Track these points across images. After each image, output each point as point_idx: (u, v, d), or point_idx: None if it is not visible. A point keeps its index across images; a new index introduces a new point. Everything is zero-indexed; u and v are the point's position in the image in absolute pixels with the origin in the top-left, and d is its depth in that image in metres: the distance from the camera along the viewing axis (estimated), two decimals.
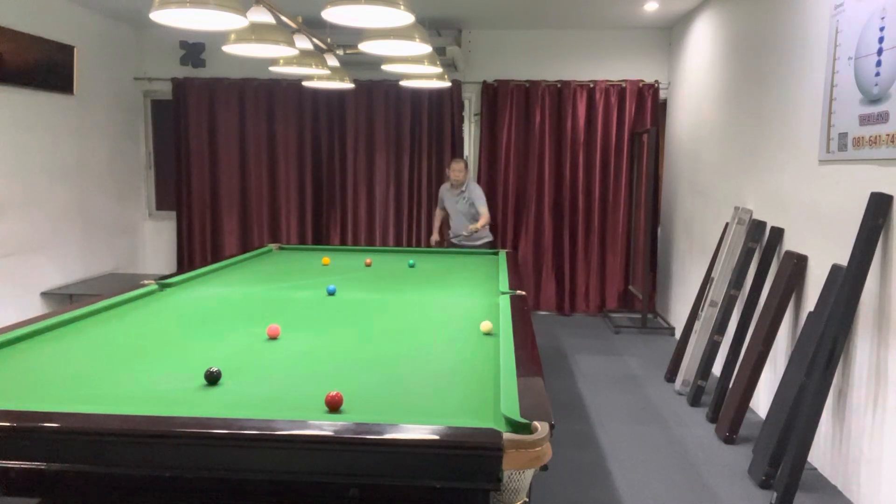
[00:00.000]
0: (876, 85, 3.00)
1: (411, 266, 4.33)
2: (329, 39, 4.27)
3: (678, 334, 5.77)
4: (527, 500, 1.51)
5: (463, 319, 2.82)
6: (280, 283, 3.72)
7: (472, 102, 6.91)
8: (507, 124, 6.73)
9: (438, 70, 4.22)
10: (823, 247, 3.46)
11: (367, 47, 3.27)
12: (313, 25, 4.11)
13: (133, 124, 6.90)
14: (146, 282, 3.36)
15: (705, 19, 5.57)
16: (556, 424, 1.97)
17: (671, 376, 4.84)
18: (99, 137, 6.30)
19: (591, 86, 6.63)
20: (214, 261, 4.35)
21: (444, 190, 5.95)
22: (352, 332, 2.66)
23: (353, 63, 5.33)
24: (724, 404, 3.97)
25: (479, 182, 6.66)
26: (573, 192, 6.75)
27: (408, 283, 3.78)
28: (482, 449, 1.46)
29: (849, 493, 3.16)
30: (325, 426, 1.55)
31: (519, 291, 3.26)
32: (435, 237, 6.10)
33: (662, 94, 6.68)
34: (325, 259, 4.47)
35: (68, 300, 5.64)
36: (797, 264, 3.65)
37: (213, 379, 1.94)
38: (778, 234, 3.96)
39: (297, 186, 6.94)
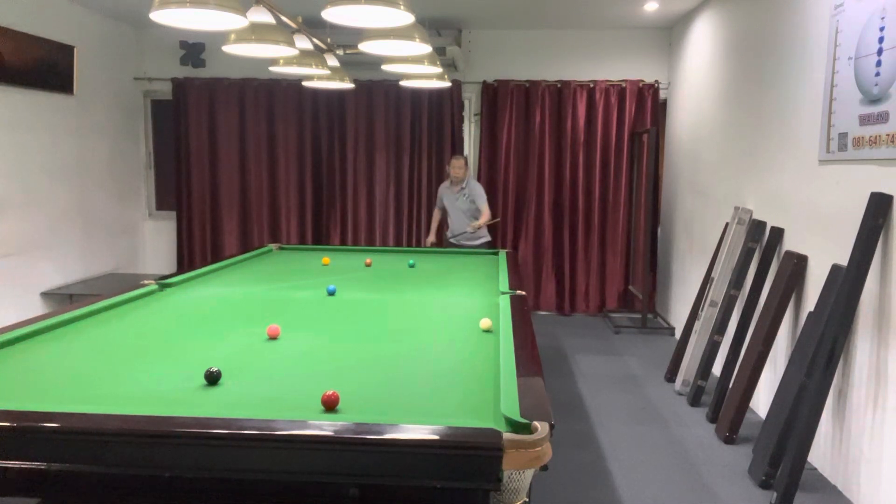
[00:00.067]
0: (876, 85, 3.00)
1: (411, 266, 4.33)
2: (329, 39, 4.27)
3: (678, 334, 5.77)
4: (527, 500, 1.51)
5: (463, 319, 2.82)
6: (280, 283, 3.72)
7: (472, 102, 6.91)
8: (507, 124, 6.73)
9: (438, 70, 4.22)
10: (823, 247, 3.46)
11: (367, 47, 3.27)
12: (313, 25, 4.11)
13: (133, 124, 6.90)
14: (146, 282, 3.36)
15: (705, 19, 5.57)
16: (556, 424, 1.97)
17: (671, 376, 4.84)
18: (99, 137, 6.30)
19: (591, 86, 6.63)
20: (214, 261, 4.35)
21: (444, 188, 5.96)
22: (352, 332, 2.66)
23: (353, 63, 5.33)
24: (724, 404, 3.97)
25: (479, 182, 6.65)
26: (573, 192, 6.76)
27: (408, 283, 3.78)
28: (482, 449, 1.46)
29: (849, 493, 3.16)
30: (325, 426, 1.55)
31: (519, 291, 3.26)
32: (431, 239, 6.10)
33: (662, 94, 6.68)
34: (325, 259, 4.47)
35: (68, 300, 5.64)
36: (797, 264, 3.65)
37: (213, 379, 1.94)
38: (778, 234, 3.96)
39: (297, 186, 6.94)
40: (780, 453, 3.20)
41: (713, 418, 4.04)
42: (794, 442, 3.09)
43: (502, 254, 4.76)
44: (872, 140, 3.02)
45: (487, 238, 5.92)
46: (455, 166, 5.75)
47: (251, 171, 6.92)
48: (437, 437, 1.50)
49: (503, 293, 3.25)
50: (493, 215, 6.09)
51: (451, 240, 5.81)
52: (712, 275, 4.64)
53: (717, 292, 4.46)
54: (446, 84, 4.92)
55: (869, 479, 3.01)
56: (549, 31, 6.71)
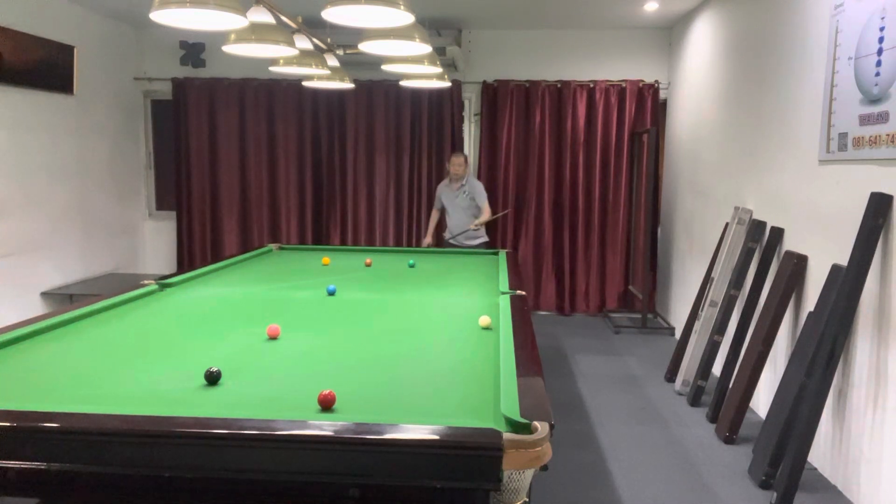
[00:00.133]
0: (876, 85, 3.00)
1: (411, 266, 4.33)
2: (329, 39, 4.27)
3: (678, 334, 5.77)
4: (527, 500, 1.51)
5: (463, 319, 2.82)
6: (280, 283, 3.72)
7: (472, 102, 6.91)
8: (507, 124, 6.73)
9: (438, 70, 4.22)
10: (823, 247, 3.46)
11: (367, 47, 3.27)
12: (313, 25, 4.11)
13: (133, 124, 6.90)
14: (146, 282, 3.36)
15: (705, 19, 5.57)
16: (556, 424, 1.97)
17: (671, 376, 4.84)
18: (99, 137, 6.30)
19: (591, 86, 6.63)
20: (214, 261, 4.35)
21: (442, 187, 5.96)
22: (352, 332, 2.66)
23: (353, 63, 5.33)
24: (724, 404, 3.97)
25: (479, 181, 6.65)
26: (573, 192, 6.76)
27: (408, 283, 3.78)
28: (482, 449, 1.46)
29: (849, 493, 3.16)
30: (325, 426, 1.55)
31: (519, 291, 3.26)
32: (428, 240, 6.11)
33: (662, 94, 6.68)
34: (325, 259, 4.47)
35: (68, 300, 5.64)
36: (797, 264, 3.65)
37: (213, 379, 1.94)
38: (778, 234, 3.96)
39: (297, 186, 6.94)
40: (780, 453, 3.20)
41: (713, 418, 4.04)
42: (794, 442, 3.10)
43: (502, 254, 4.76)
44: (872, 140, 3.02)
45: (485, 238, 5.93)
46: (455, 163, 5.76)
47: (251, 171, 6.92)
48: (437, 437, 1.50)
49: (503, 293, 3.25)
50: (494, 211, 6.10)
51: (451, 240, 5.81)
52: (712, 275, 4.64)
53: (717, 292, 4.46)
54: (446, 84, 4.92)
55: (869, 479, 3.01)
56: (549, 31, 6.71)
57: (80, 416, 1.60)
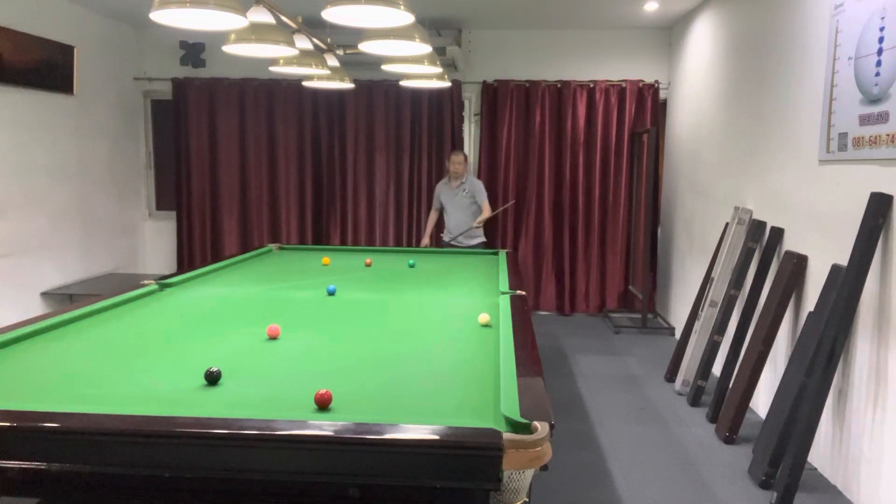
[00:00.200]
0: (876, 85, 3.00)
1: (411, 266, 4.33)
2: (329, 39, 4.27)
3: (678, 334, 5.77)
4: (527, 500, 1.51)
5: (463, 319, 2.82)
6: (280, 283, 3.72)
7: (472, 102, 6.91)
8: (507, 124, 6.73)
9: (438, 70, 4.22)
10: (823, 247, 3.46)
11: (367, 47, 3.27)
12: (313, 25, 4.11)
13: (133, 124, 6.90)
14: (146, 282, 3.36)
15: (705, 19, 5.57)
16: (556, 424, 1.97)
17: (671, 376, 4.84)
18: (99, 137, 6.30)
19: (591, 86, 6.63)
20: (214, 261, 4.35)
21: (441, 185, 5.97)
22: (352, 332, 2.66)
23: (353, 63, 5.33)
24: (724, 404, 3.97)
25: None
26: (573, 192, 6.76)
27: (408, 283, 3.78)
28: (482, 449, 1.46)
29: (849, 493, 3.16)
30: (325, 426, 1.55)
31: (519, 291, 3.26)
32: (426, 241, 6.10)
33: (662, 94, 6.68)
34: (325, 259, 4.47)
35: (68, 300, 5.64)
36: (797, 264, 3.65)
37: (213, 379, 1.94)
38: (778, 234, 3.96)
39: (297, 186, 6.94)
40: (780, 453, 3.20)
41: (713, 418, 4.04)
42: (794, 442, 3.10)
43: (502, 254, 4.76)
44: (872, 140, 3.02)
45: (483, 238, 5.94)
46: (455, 162, 5.77)
47: (251, 171, 6.92)
48: (437, 437, 1.50)
49: (503, 293, 3.25)
50: (494, 207, 6.11)
51: (452, 241, 5.81)
52: (712, 275, 4.64)
53: (717, 292, 4.46)
54: (446, 84, 4.92)
55: (869, 479, 3.01)
56: (549, 31, 6.71)
57: (79, 416, 1.60)
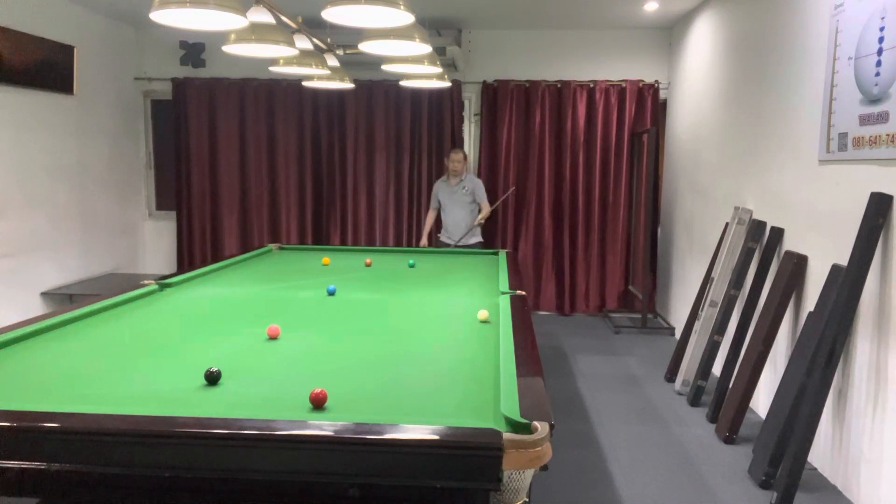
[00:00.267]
0: (876, 85, 3.00)
1: (411, 266, 4.33)
2: (329, 39, 4.27)
3: (678, 334, 5.77)
4: (527, 500, 1.51)
5: (463, 319, 2.82)
6: (280, 283, 3.72)
7: (472, 102, 6.91)
8: (507, 124, 6.73)
9: (438, 70, 4.22)
10: (823, 247, 3.46)
11: (367, 47, 3.27)
12: (313, 25, 4.11)
13: (133, 124, 6.90)
14: (146, 282, 3.36)
15: (705, 19, 5.58)
16: (556, 424, 1.97)
17: (671, 376, 4.84)
18: (99, 137, 6.30)
19: (591, 86, 6.63)
20: (214, 261, 4.35)
21: (440, 184, 5.97)
22: (352, 332, 2.66)
23: (353, 63, 5.33)
24: (724, 404, 3.97)
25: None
26: (573, 192, 6.76)
27: (408, 283, 3.78)
28: (482, 449, 1.46)
29: (849, 493, 3.16)
30: (325, 426, 1.55)
31: (519, 291, 3.26)
32: (424, 242, 6.10)
33: (662, 94, 6.68)
34: (325, 259, 4.47)
35: (68, 300, 5.64)
36: (797, 264, 3.65)
37: (213, 379, 1.94)
38: (778, 234, 3.96)
39: (297, 186, 6.95)
40: (780, 453, 3.20)
41: (713, 418, 4.04)
42: (794, 442, 3.10)
43: (502, 254, 4.76)
44: (872, 140, 3.02)
45: (480, 238, 5.94)
46: (454, 160, 5.78)
47: (251, 171, 6.92)
48: (437, 437, 1.50)
49: (503, 293, 3.25)
50: (492, 201, 6.12)
51: (458, 243, 5.79)
52: (712, 275, 4.64)
53: (717, 292, 4.46)
54: (446, 84, 4.92)
55: (869, 479, 3.01)
56: (549, 31, 6.71)
57: (80, 416, 1.60)
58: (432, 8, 5.85)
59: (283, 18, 3.38)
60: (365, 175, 6.90)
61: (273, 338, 2.48)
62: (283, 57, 3.72)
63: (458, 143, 6.74)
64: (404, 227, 6.92)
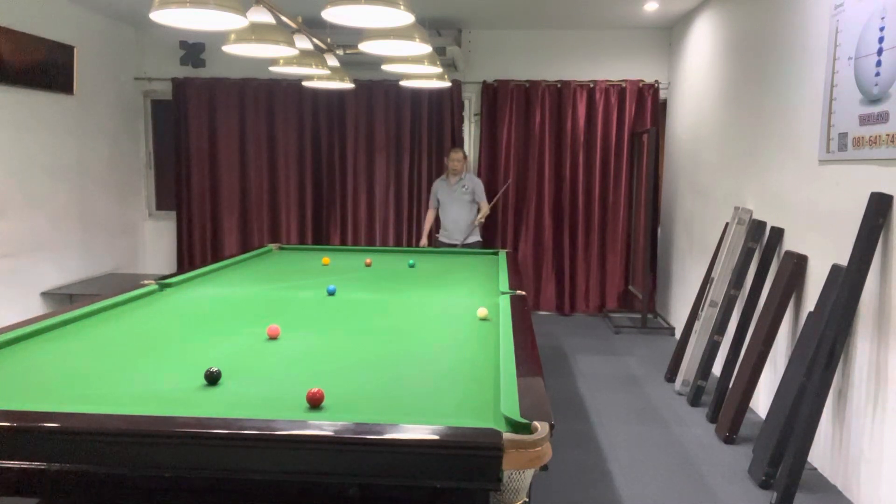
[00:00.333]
0: (876, 85, 3.00)
1: (411, 266, 4.33)
2: (329, 39, 4.27)
3: (678, 334, 5.77)
4: (527, 500, 1.51)
5: (463, 319, 2.82)
6: (280, 283, 3.72)
7: (472, 102, 6.91)
8: (507, 124, 6.73)
9: (438, 70, 4.22)
10: (823, 247, 3.46)
11: (367, 47, 3.27)
12: (313, 25, 4.11)
13: (133, 124, 6.90)
14: (146, 282, 3.36)
15: (705, 19, 5.58)
16: (556, 424, 1.97)
17: (671, 376, 4.84)
18: (99, 137, 6.30)
19: (591, 86, 6.63)
20: (214, 261, 4.35)
21: (439, 183, 5.97)
22: (352, 332, 2.66)
23: (353, 63, 5.33)
24: (724, 404, 3.97)
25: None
26: (573, 192, 6.76)
27: (408, 283, 3.78)
28: (482, 449, 1.46)
29: (849, 493, 3.16)
30: (325, 426, 1.55)
31: (519, 291, 3.26)
32: (424, 242, 6.10)
33: (662, 94, 6.68)
34: (325, 259, 4.47)
35: (68, 300, 5.64)
36: (797, 264, 3.65)
37: (213, 379, 1.94)
38: (778, 234, 3.96)
39: (297, 186, 6.95)
40: (780, 453, 3.20)
41: (713, 418, 4.04)
42: (794, 442, 3.10)
43: (502, 254, 4.76)
44: (872, 140, 3.02)
45: (479, 238, 5.94)
46: (454, 159, 5.79)
47: (251, 171, 6.92)
48: (437, 437, 1.50)
49: (503, 293, 3.25)
50: (491, 203, 6.13)
51: (450, 242, 5.80)
52: (712, 275, 4.64)
53: (717, 292, 4.46)
54: (446, 84, 4.92)
55: (869, 479, 3.01)
56: (549, 31, 6.71)
57: (80, 416, 1.60)
58: (432, 8, 5.85)
59: (283, 18, 3.39)
60: (365, 175, 6.90)
61: (273, 338, 2.48)
62: (283, 57, 3.72)
63: (458, 143, 6.74)
64: (404, 227, 6.92)
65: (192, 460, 1.52)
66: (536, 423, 1.56)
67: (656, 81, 6.61)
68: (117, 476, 1.54)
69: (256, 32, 3.16)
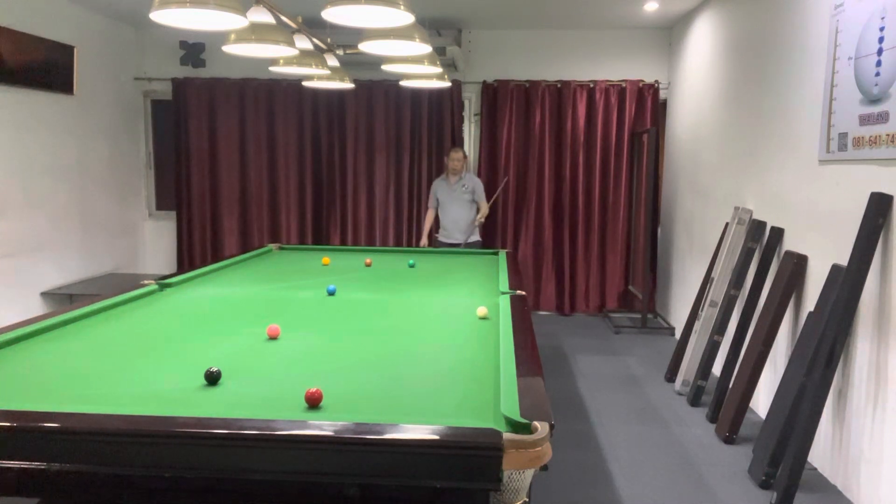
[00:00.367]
0: (876, 85, 3.00)
1: (411, 266, 4.33)
2: (329, 39, 4.27)
3: (678, 334, 5.77)
4: (527, 500, 1.51)
5: (463, 319, 2.82)
6: (280, 283, 3.72)
7: (472, 102, 6.91)
8: (507, 124, 6.73)
9: (438, 70, 4.22)
10: (823, 247, 3.46)
11: (367, 47, 3.27)
12: (313, 25, 4.11)
13: (133, 124, 6.90)
14: (146, 282, 3.36)
15: (705, 19, 5.58)
16: (556, 424, 1.97)
17: (671, 376, 4.84)
18: (99, 137, 6.30)
19: (591, 86, 6.63)
20: (214, 261, 4.35)
21: (438, 182, 5.96)
22: (352, 332, 2.66)
23: (353, 63, 5.33)
24: (724, 404, 3.97)
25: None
26: (573, 192, 6.76)
27: (408, 283, 3.78)
28: (482, 449, 1.46)
29: (849, 493, 3.16)
30: (325, 426, 1.55)
31: (519, 291, 3.26)
32: (424, 242, 6.10)
33: (662, 94, 6.68)
34: (325, 259, 4.47)
35: (68, 300, 5.64)
36: (797, 264, 3.65)
37: (213, 379, 1.94)
38: (778, 234, 3.96)
39: (297, 186, 6.95)
40: (780, 453, 3.20)
41: (713, 418, 4.04)
42: (794, 442, 3.10)
43: (502, 254, 4.76)
44: (872, 140, 3.02)
45: (478, 238, 5.94)
46: (454, 158, 5.79)
47: (251, 171, 6.92)
48: (437, 437, 1.50)
49: (503, 293, 3.25)
50: (491, 200, 6.13)
51: (442, 239, 5.81)
52: (712, 275, 4.64)
53: (717, 292, 4.46)
54: (446, 84, 4.92)
55: (869, 479, 3.01)
56: (549, 31, 6.71)
57: (80, 416, 1.60)
58: (432, 8, 5.85)
59: (283, 18, 3.38)
60: (365, 175, 6.90)
61: (273, 338, 2.48)
62: (283, 57, 3.72)
63: (458, 143, 6.74)
64: (404, 227, 6.92)
65: (192, 460, 1.52)
66: (536, 423, 1.56)
67: (656, 81, 6.61)
68: (117, 476, 1.54)
69: (256, 32, 3.16)
